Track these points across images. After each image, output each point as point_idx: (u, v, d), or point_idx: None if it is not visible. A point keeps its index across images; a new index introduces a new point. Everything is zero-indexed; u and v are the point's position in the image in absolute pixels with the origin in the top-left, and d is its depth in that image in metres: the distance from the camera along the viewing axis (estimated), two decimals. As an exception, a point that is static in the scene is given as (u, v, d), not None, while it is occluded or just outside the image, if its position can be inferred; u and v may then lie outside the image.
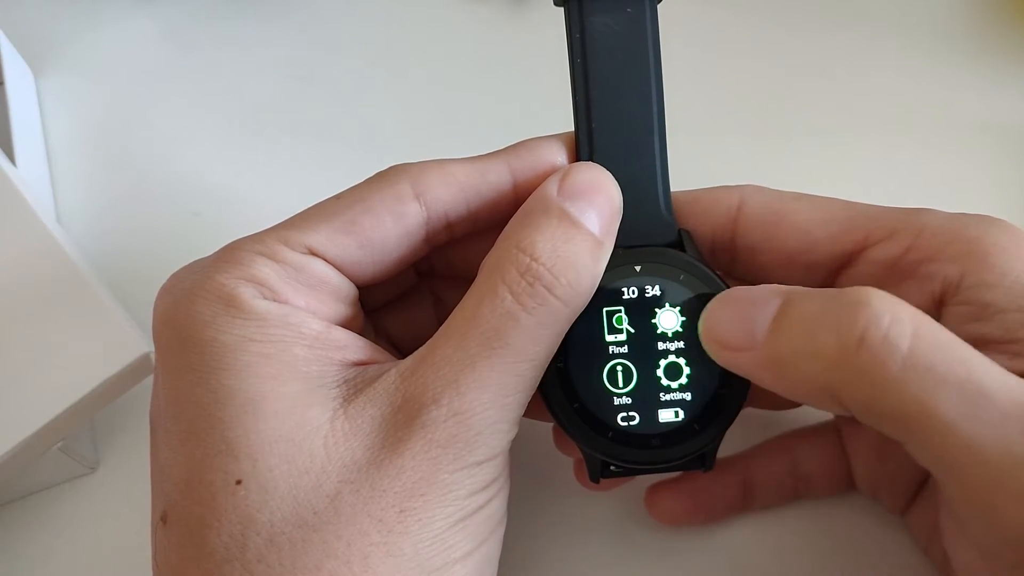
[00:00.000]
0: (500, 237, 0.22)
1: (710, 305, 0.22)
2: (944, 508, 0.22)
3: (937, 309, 0.22)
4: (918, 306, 0.22)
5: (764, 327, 0.20)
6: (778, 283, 0.25)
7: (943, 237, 0.22)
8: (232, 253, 0.21)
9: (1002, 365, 0.19)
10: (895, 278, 0.23)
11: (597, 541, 0.28)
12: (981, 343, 0.21)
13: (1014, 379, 0.18)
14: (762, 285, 0.21)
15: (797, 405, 0.28)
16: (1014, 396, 0.18)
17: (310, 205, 0.23)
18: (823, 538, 0.28)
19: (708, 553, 0.28)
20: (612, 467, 0.24)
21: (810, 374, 0.20)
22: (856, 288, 0.20)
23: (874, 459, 0.26)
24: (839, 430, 0.27)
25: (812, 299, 0.20)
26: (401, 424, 0.19)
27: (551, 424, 0.27)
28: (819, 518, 0.28)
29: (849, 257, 0.24)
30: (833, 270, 0.24)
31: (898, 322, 0.19)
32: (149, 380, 0.27)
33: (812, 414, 0.28)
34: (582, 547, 0.28)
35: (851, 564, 0.27)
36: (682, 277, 0.23)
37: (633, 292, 0.23)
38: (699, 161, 0.28)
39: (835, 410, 0.20)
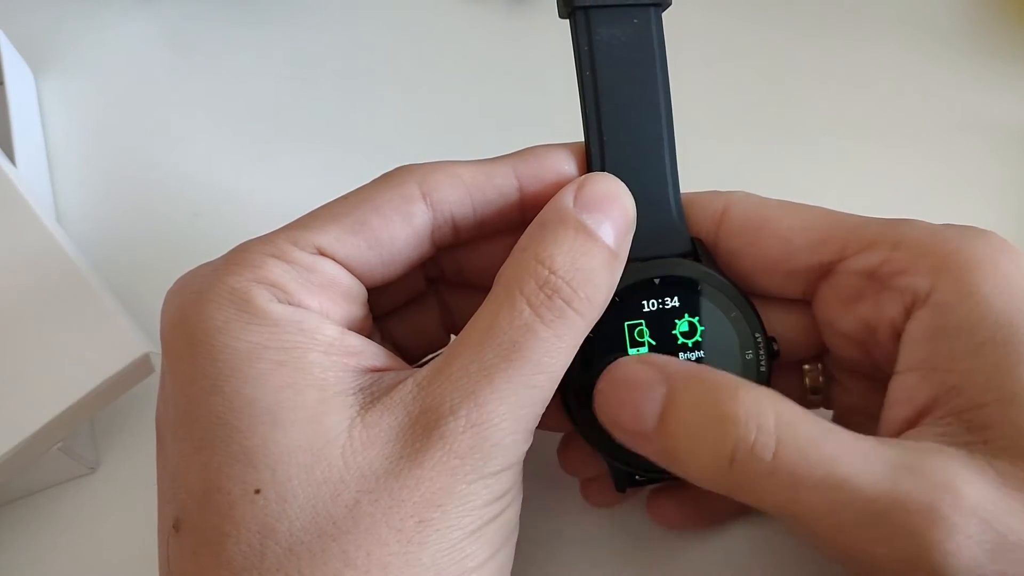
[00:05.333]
0: (516, 247, 0.22)
1: (599, 386, 0.22)
2: None
3: None
4: (893, 319, 0.23)
5: (653, 419, 0.21)
6: (760, 289, 0.25)
7: (919, 250, 0.22)
8: (242, 255, 0.21)
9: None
10: (873, 289, 0.23)
11: (601, 547, 0.28)
12: (929, 366, 0.21)
13: (868, 445, 0.19)
14: (646, 365, 0.22)
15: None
16: (868, 472, 0.19)
17: (310, 206, 0.23)
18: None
19: (710, 556, 0.28)
20: (637, 476, 0.24)
21: (700, 479, 0.21)
22: (729, 395, 0.20)
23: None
24: None
25: (693, 398, 0.21)
26: (419, 435, 0.19)
27: (557, 437, 0.27)
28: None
29: (828, 267, 0.24)
30: (813, 279, 0.24)
31: (763, 434, 0.19)
32: (149, 380, 0.27)
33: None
34: (586, 553, 0.28)
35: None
36: (700, 287, 0.23)
37: (653, 305, 0.23)
38: (701, 166, 0.28)
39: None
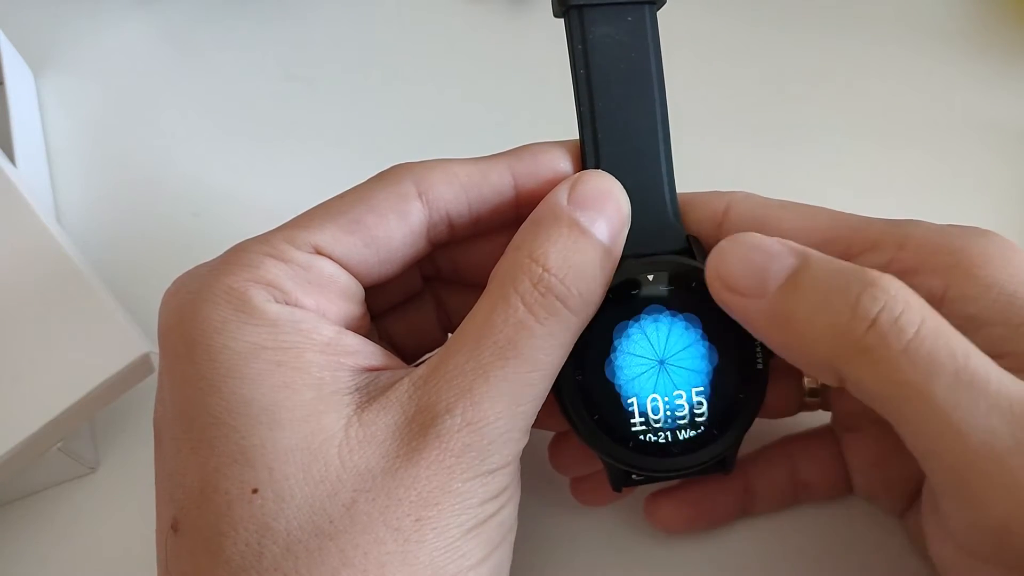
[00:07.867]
0: (510, 245, 0.22)
1: (721, 244, 0.22)
2: (927, 503, 0.22)
3: None
4: None
5: (778, 280, 0.21)
6: None
7: (927, 249, 0.22)
8: (239, 255, 0.21)
9: None
10: None
11: (598, 549, 0.28)
12: None
13: (1010, 377, 0.19)
14: (777, 239, 0.21)
15: (794, 413, 0.28)
16: (1005, 391, 0.18)
17: (310, 206, 0.23)
18: (823, 542, 0.28)
19: (707, 558, 0.28)
20: (633, 476, 0.24)
21: (815, 340, 0.20)
22: (876, 271, 0.20)
23: (872, 466, 0.26)
24: (837, 437, 0.27)
25: (832, 267, 0.20)
26: (416, 433, 0.19)
27: (549, 435, 0.27)
28: (819, 522, 0.28)
29: None
30: None
31: (910, 309, 0.19)
32: (149, 380, 0.27)
33: (809, 420, 0.28)
34: (583, 556, 0.28)
35: (851, 567, 0.27)
36: (694, 284, 0.23)
37: (646, 301, 0.23)
38: (701, 166, 0.28)
39: (827, 379, 0.20)
